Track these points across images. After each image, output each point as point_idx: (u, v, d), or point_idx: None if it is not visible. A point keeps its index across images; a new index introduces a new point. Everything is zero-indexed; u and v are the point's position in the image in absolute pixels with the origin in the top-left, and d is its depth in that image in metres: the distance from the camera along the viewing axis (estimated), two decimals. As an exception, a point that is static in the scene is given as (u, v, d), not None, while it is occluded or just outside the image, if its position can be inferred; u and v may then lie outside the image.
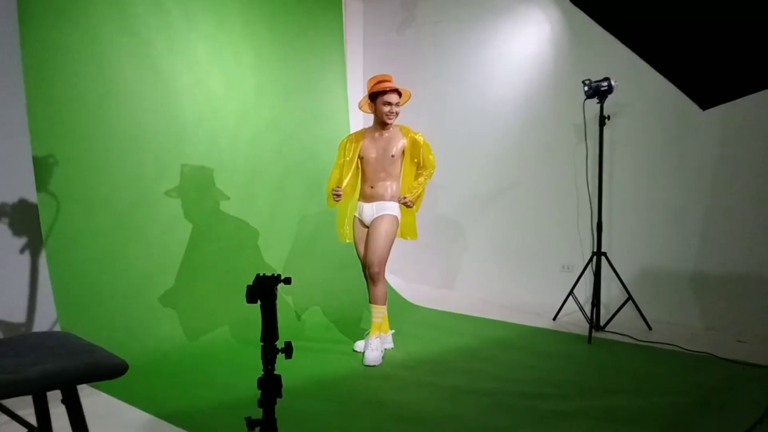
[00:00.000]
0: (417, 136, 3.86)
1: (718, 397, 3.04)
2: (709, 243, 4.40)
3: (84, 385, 2.86)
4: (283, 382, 1.76)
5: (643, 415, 2.78)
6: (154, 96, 4.09)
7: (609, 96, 4.23)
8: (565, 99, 4.95)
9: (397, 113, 3.77)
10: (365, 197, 3.86)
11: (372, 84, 3.77)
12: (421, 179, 3.86)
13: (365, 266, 3.81)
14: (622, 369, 3.51)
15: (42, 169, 3.47)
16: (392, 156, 3.80)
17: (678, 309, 4.47)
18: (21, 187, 3.53)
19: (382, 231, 3.72)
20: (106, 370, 1.58)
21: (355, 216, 3.91)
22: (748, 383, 3.22)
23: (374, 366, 3.55)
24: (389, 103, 3.72)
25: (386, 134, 3.83)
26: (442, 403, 2.96)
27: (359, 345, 3.87)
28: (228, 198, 4.48)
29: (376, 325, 3.74)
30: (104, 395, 2.97)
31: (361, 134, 3.92)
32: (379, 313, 3.77)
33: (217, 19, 4.55)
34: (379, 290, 3.75)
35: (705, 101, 1.65)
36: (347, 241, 3.95)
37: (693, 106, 1.70)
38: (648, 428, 2.64)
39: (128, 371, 1.61)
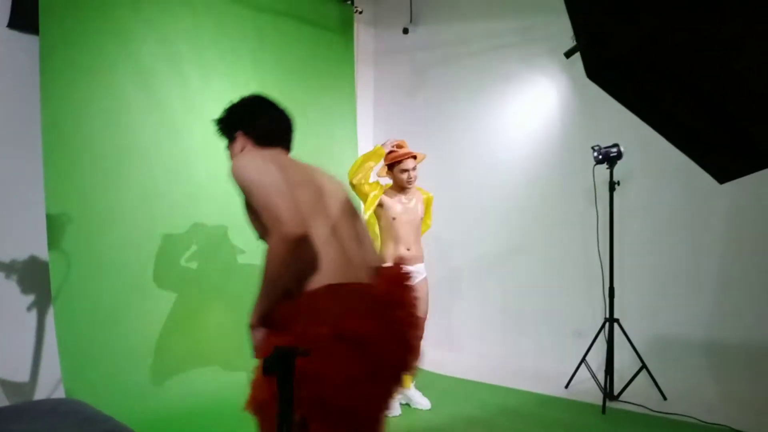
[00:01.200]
0: (430, 196, 4.12)
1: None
2: (723, 311, 4.34)
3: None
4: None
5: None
6: (170, 154, 4.16)
7: (618, 162, 4.27)
8: (575, 164, 4.99)
9: (416, 177, 3.92)
10: (405, 260, 3.87)
11: (388, 156, 3.91)
12: None
13: None
14: (639, 442, 3.41)
15: (55, 226, 3.48)
16: (421, 218, 4.03)
17: (693, 378, 4.37)
18: (33, 244, 3.54)
19: (426, 293, 4.01)
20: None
21: None
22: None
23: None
24: (406, 170, 3.86)
25: (410, 196, 3.99)
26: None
27: (405, 397, 4.04)
28: (239, 256, 4.47)
29: (409, 378, 3.95)
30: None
31: (380, 193, 3.95)
32: None
33: (232, 81, 4.66)
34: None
35: (722, 176, 1.65)
36: None
37: (702, 173, 1.70)
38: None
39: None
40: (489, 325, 5.61)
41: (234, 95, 4.61)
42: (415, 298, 1.95)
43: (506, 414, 3.92)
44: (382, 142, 4.04)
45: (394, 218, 3.88)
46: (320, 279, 1.79)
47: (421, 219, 4.05)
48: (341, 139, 5.65)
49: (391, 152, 3.90)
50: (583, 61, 1.40)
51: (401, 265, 2.05)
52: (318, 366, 1.61)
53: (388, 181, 4.05)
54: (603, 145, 4.30)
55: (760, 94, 1.40)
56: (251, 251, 4.54)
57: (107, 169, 3.80)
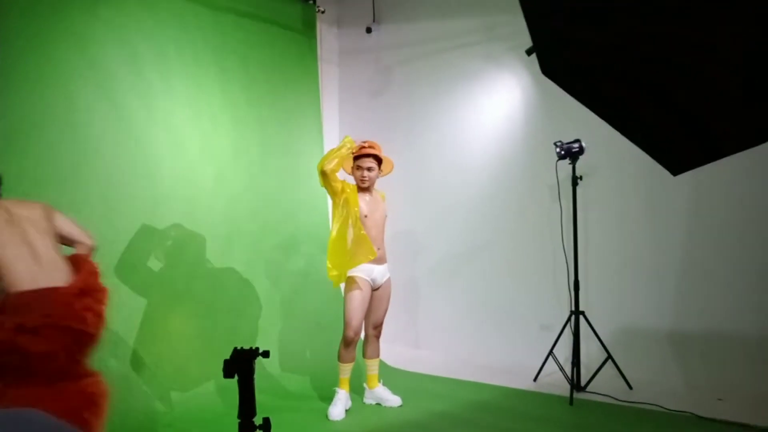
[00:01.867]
0: (383, 194, 4.10)
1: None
2: (686, 300, 4.45)
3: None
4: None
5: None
6: (131, 160, 4.09)
7: (580, 157, 4.34)
8: (538, 160, 5.06)
9: (369, 179, 3.87)
10: (374, 260, 3.83)
11: (357, 148, 3.87)
12: None
13: (371, 325, 3.99)
14: (607, 431, 3.46)
15: (13, 234, 3.39)
16: (385, 217, 4.02)
17: (658, 367, 4.47)
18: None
19: (389, 293, 4.04)
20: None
21: (361, 277, 3.83)
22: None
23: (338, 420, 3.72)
24: (361, 168, 3.85)
25: (374, 197, 3.97)
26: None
27: (373, 397, 4.05)
28: (204, 261, 4.42)
29: (375, 377, 4.06)
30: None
31: (355, 192, 3.86)
32: (377, 364, 4.06)
33: (195, 83, 4.61)
34: (378, 345, 4.07)
35: (675, 167, 1.69)
36: (357, 289, 3.82)
37: (662, 167, 1.74)
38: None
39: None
40: (457, 322, 5.65)
41: (197, 99, 4.62)
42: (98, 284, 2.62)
43: (476, 408, 3.96)
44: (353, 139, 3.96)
45: (365, 216, 3.82)
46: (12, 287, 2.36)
47: (385, 219, 4.02)
48: (306, 139, 5.63)
49: (360, 147, 3.87)
50: (539, 58, 1.43)
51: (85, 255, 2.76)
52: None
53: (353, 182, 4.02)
54: (565, 140, 4.37)
55: (717, 89, 1.44)
56: (215, 256, 4.51)
57: (65, 176, 3.72)
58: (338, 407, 3.77)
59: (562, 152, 4.36)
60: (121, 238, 3.92)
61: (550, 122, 5.05)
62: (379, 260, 3.89)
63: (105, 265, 3.79)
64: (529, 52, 4.28)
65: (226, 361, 1.68)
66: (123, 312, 3.83)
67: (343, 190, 3.79)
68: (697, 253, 4.43)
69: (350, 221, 3.76)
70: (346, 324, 3.82)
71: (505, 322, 5.34)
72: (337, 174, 3.79)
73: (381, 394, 4.03)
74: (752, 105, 1.44)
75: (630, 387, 4.28)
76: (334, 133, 6.34)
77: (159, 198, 4.20)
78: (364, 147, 3.88)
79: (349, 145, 3.78)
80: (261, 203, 4.99)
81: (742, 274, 4.22)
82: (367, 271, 3.84)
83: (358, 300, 3.80)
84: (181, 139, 4.45)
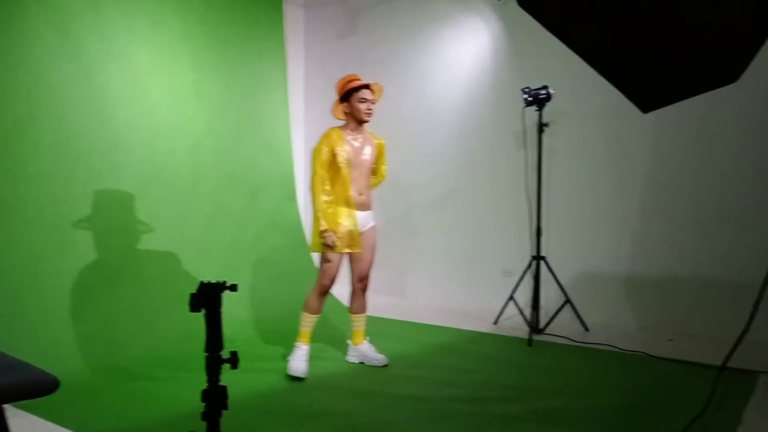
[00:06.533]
0: (383, 142, 3.77)
1: (654, 395, 3.15)
2: (643, 246, 4.58)
3: (7, 406, 2.71)
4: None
5: (583, 416, 2.85)
6: (88, 100, 3.95)
7: (547, 104, 4.35)
8: (505, 106, 5.05)
9: (373, 110, 3.60)
10: (356, 205, 3.55)
11: (342, 84, 3.58)
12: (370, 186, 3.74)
13: (356, 278, 3.73)
14: (562, 371, 3.59)
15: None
16: (372, 163, 3.67)
17: (613, 310, 4.63)
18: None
19: (375, 242, 3.76)
20: (35, 388, 1.49)
21: (344, 225, 3.49)
22: (680, 381, 3.37)
23: (302, 378, 3.42)
24: (366, 100, 3.53)
25: (362, 137, 3.63)
26: (383, 412, 2.95)
27: (357, 354, 3.80)
28: (166, 206, 4.35)
29: (361, 332, 3.81)
30: (32, 417, 2.80)
31: (339, 134, 3.56)
32: (364, 320, 3.82)
33: (154, 20, 4.43)
34: (365, 299, 3.82)
35: (646, 104, 1.69)
36: (334, 252, 3.49)
37: (627, 114, 1.76)
38: (591, 429, 2.70)
39: (60, 389, 1.53)
40: (421, 268, 5.73)
41: (156, 38, 4.45)
42: None
43: (437, 351, 4.05)
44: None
45: (348, 159, 3.52)
46: None
47: (372, 164, 3.67)
48: (270, 82, 5.49)
49: (348, 81, 3.56)
50: None
51: None
52: None
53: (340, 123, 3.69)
54: (533, 87, 4.37)
55: (694, 27, 1.44)
56: (178, 203, 4.45)
57: (20, 116, 3.58)
58: (301, 362, 3.47)
59: (530, 98, 4.36)
60: (80, 181, 3.82)
61: (518, 69, 5.03)
62: (362, 206, 3.60)
63: (64, 210, 3.72)
64: (499, -4, 4.23)
65: (192, 295, 1.66)
66: (84, 260, 3.77)
67: (333, 150, 3.50)
68: (655, 200, 4.54)
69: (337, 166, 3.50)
70: (321, 270, 3.56)
71: (469, 267, 5.43)
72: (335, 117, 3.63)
73: (366, 351, 3.77)
74: (723, 43, 1.45)
75: (586, 329, 4.43)
76: (299, 74, 6.21)
77: (118, 141, 4.08)
78: (355, 79, 3.58)
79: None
80: (223, 148, 4.89)
81: (697, 221, 4.35)
82: (347, 218, 3.52)
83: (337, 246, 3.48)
84: (140, 79, 4.30)
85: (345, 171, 3.51)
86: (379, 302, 5.46)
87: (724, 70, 1.53)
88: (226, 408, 1.68)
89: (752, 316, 1.38)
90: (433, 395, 3.16)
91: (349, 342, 3.86)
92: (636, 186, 4.61)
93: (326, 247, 3.47)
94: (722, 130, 4.26)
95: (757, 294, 1.42)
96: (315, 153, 3.52)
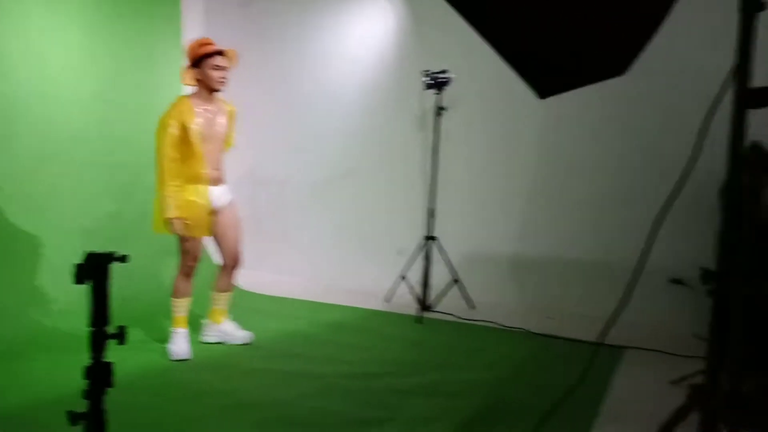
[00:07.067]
0: (234, 109, 3.55)
1: (532, 369, 3.36)
2: (529, 227, 4.84)
3: None
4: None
5: (467, 388, 2.98)
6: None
7: (446, 88, 4.44)
8: (406, 88, 5.08)
9: (227, 78, 3.37)
10: (209, 180, 3.36)
11: (194, 49, 3.32)
12: None
13: (227, 255, 3.55)
14: (448, 346, 3.74)
15: None
16: (225, 131, 3.46)
17: (498, 288, 4.85)
18: None
19: (238, 216, 3.56)
20: None
21: (195, 201, 3.29)
22: (555, 355, 3.60)
23: (185, 360, 3.27)
24: (220, 67, 3.29)
25: (214, 107, 3.40)
26: (273, 389, 2.93)
27: (217, 333, 3.62)
28: (51, 171, 4.03)
29: (224, 312, 3.64)
30: None
31: (189, 105, 3.30)
32: (227, 298, 3.65)
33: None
34: (232, 277, 3.64)
35: (543, 91, 1.77)
36: (179, 232, 3.26)
37: (520, 101, 1.84)
38: (473, 400, 2.83)
39: None
40: (318, 246, 5.70)
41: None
42: None
43: (329, 328, 4.07)
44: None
45: (201, 132, 3.29)
46: None
47: (225, 135, 3.47)
48: (164, 48, 5.17)
49: (201, 45, 3.31)
50: None
51: None
52: None
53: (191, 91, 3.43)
54: (433, 70, 4.43)
55: (589, 23, 1.52)
56: (68, 179, 4.15)
57: None
58: (182, 343, 3.31)
59: (431, 81, 4.43)
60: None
61: (419, 51, 5.08)
62: (217, 181, 3.41)
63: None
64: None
65: (78, 266, 1.53)
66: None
67: (183, 124, 3.25)
68: (543, 183, 4.79)
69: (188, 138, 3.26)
70: (183, 251, 3.34)
71: (365, 246, 5.47)
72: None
73: (229, 329, 3.63)
74: (612, 39, 1.55)
75: (472, 307, 4.62)
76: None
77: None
78: (209, 44, 3.33)
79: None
80: (113, 117, 4.58)
81: (580, 203, 4.64)
82: (199, 195, 3.32)
83: (194, 227, 3.29)
84: (38, 48, 3.96)
85: (198, 146, 3.27)
86: (270, 281, 5.38)
87: (613, 64, 1.65)
88: (110, 385, 1.58)
89: (626, 296, 1.49)
90: (323, 371, 3.17)
91: (206, 321, 3.66)
92: (526, 170, 4.84)
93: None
94: (607, 121, 4.53)
95: (630, 276, 1.53)
96: (160, 128, 3.23)
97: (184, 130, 3.24)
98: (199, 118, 3.29)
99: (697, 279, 3.54)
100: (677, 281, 3.87)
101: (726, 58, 1.44)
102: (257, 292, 5.01)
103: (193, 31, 5.72)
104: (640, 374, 3.28)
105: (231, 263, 3.58)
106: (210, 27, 6.00)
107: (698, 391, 1.47)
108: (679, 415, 1.66)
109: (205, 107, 3.35)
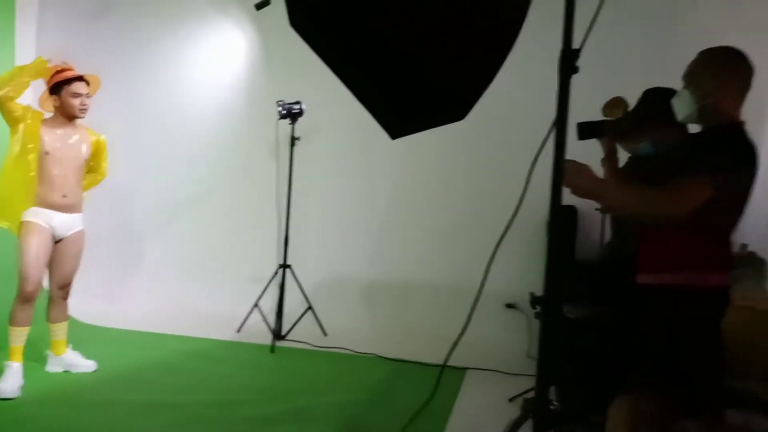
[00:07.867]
0: (101, 139, 3.50)
1: (382, 392, 3.49)
2: (383, 254, 5.05)
3: None
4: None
5: (324, 413, 3.04)
6: None
7: (300, 118, 4.54)
8: (259, 117, 5.11)
9: (88, 107, 3.27)
10: (57, 206, 3.25)
11: (51, 75, 3.21)
12: (84, 185, 3.47)
13: (56, 285, 3.40)
14: (303, 373, 3.77)
15: None
16: (85, 160, 3.38)
17: (351, 315, 4.97)
18: None
19: (80, 249, 3.44)
20: None
21: (35, 222, 3.19)
22: (404, 378, 3.77)
23: (13, 398, 2.96)
24: (79, 94, 3.20)
25: (74, 133, 3.32)
26: (129, 420, 2.80)
27: (61, 364, 3.47)
28: None
29: (64, 342, 3.49)
30: None
31: (38, 122, 3.18)
32: (65, 328, 3.49)
33: None
34: (66, 307, 3.50)
35: (394, 131, 1.90)
36: (31, 235, 3.16)
37: (375, 133, 1.96)
38: (329, 425, 2.89)
39: None
40: (165, 273, 5.45)
41: None
42: None
43: (183, 356, 3.94)
44: (48, 58, 3.26)
45: (47, 153, 3.16)
46: None
47: (85, 161, 3.39)
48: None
49: (59, 71, 3.20)
50: (288, 8, 1.47)
51: None
52: None
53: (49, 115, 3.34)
54: (287, 100, 4.51)
55: (431, 74, 1.67)
56: None
57: None
58: (11, 380, 3.04)
59: (284, 112, 4.50)
60: None
61: (274, 80, 5.14)
62: (66, 208, 3.30)
63: None
64: (258, 7, 4.30)
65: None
66: None
67: (23, 118, 3.11)
68: (398, 213, 5.04)
69: (26, 156, 3.12)
70: (22, 277, 3.15)
71: (216, 275, 5.34)
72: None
73: (72, 359, 3.50)
74: (452, 89, 1.72)
75: (325, 334, 4.68)
76: (30, 53, 5.43)
77: None
78: (68, 69, 3.24)
79: (40, 67, 3.15)
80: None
81: (429, 231, 4.93)
82: (45, 217, 3.22)
83: (33, 248, 3.15)
84: None
85: (33, 165, 3.15)
86: (119, 311, 5.03)
87: (454, 110, 1.84)
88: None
89: (469, 319, 1.64)
90: (182, 401, 3.09)
91: (49, 352, 3.51)
92: (381, 200, 5.07)
93: None
94: (454, 154, 4.87)
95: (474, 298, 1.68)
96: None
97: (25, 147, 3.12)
98: (50, 136, 3.20)
99: (527, 303, 3.91)
100: (511, 306, 4.25)
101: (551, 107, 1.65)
102: (94, 323, 4.66)
103: (25, 39, 5.23)
104: (482, 393, 3.54)
105: (61, 293, 3.46)
106: (43, 36, 5.52)
107: (530, 404, 1.65)
108: (515, 426, 1.84)
109: (62, 130, 3.27)
